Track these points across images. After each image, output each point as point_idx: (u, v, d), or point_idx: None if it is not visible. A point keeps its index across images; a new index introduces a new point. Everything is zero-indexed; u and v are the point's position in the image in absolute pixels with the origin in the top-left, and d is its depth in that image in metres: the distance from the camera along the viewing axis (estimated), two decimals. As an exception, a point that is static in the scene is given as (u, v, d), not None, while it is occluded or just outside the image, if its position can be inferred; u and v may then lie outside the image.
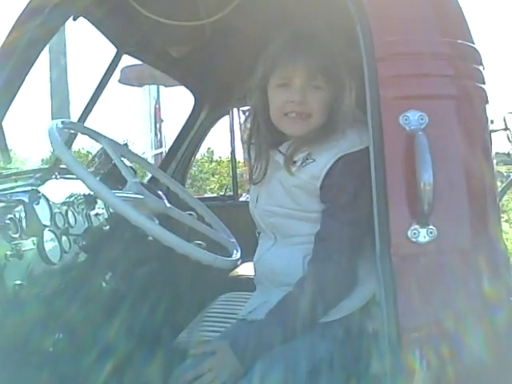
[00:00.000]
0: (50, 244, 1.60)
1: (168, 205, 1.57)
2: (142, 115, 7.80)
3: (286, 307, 1.20)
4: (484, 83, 1.09)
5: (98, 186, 1.26)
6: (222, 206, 2.77)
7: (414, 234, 0.97)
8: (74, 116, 7.10)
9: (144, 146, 7.80)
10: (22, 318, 1.45)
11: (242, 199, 2.83)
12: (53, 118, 7.28)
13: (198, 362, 1.19)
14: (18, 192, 1.40)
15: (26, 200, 1.37)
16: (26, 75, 1.23)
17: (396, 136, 0.98)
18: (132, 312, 1.80)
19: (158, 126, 7.74)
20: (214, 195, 3.06)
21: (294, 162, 1.25)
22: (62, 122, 1.45)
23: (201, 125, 2.70)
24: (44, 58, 7.64)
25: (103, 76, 2.04)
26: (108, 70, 2.03)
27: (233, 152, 2.92)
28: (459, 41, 1.06)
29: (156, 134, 7.69)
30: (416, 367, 0.93)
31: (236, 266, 2.12)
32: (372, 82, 1.00)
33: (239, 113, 2.77)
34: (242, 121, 4.31)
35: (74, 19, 1.27)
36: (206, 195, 4.37)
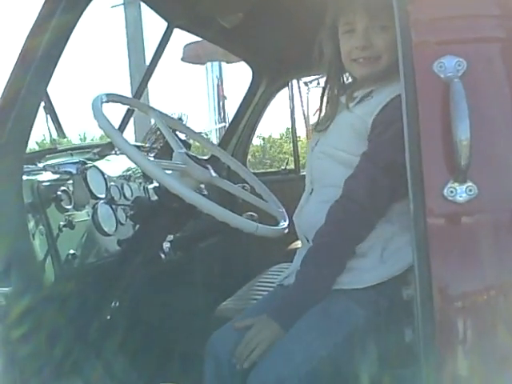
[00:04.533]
0: (104, 215, 1.65)
1: (214, 174, 1.56)
2: (205, 93, 7.87)
3: (310, 261, 1.18)
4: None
5: (136, 155, 1.27)
6: (283, 180, 2.73)
7: (451, 192, 0.88)
8: (153, 99, 7.30)
9: (208, 123, 7.87)
10: (76, 287, 1.51)
11: (303, 173, 2.77)
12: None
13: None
14: (67, 164, 1.45)
15: (74, 171, 1.41)
16: (65, 42, 1.25)
17: (430, 84, 0.89)
18: (186, 283, 1.83)
19: (220, 103, 7.78)
20: (276, 169, 3.03)
21: (354, 99, 1.26)
22: (107, 95, 1.47)
23: (260, 98, 2.66)
24: (122, 43, 7.93)
25: (155, 51, 2.06)
26: (160, 44, 2.05)
27: (293, 125, 2.86)
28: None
29: (219, 112, 7.74)
30: (450, 338, 0.85)
31: (293, 239, 2.10)
32: (403, 26, 0.91)
33: (299, 84, 2.69)
34: (303, 94, 4.28)
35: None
36: (267, 170, 4.33)
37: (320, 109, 1.39)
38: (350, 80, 1.35)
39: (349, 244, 1.16)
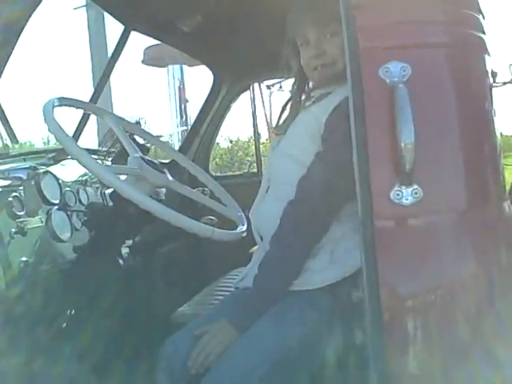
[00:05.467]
0: (59, 222, 1.62)
1: (170, 179, 1.55)
2: (166, 96, 7.85)
3: (266, 265, 1.19)
4: (482, 32, 0.99)
5: (86, 160, 1.25)
6: (245, 183, 2.73)
7: (398, 195, 0.90)
8: (117, 104, 7.21)
9: (170, 126, 7.84)
10: (29, 295, 1.47)
11: (265, 175, 2.78)
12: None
13: (190, 331, 1.18)
14: (17, 169, 1.41)
15: (24, 177, 1.38)
16: (11, 49, 1.22)
17: (376, 89, 0.91)
18: (141, 288, 1.80)
19: (182, 106, 7.76)
20: (238, 173, 3.03)
21: (311, 98, 1.32)
22: (59, 99, 1.44)
23: (222, 101, 2.66)
24: (85, 46, 7.81)
25: (112, 54, 2.03)
26: (117, 47, 2.02)
27: (255, 128, 2.87)
28: (451, -16, 0.97)
29: (181, 115, 7.72)
30: (399, 338, 0.86)
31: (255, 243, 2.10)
32: (350, 32, 0.92)
33: (260, 87, 2.70)
34: (265, 97, 4.30)
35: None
36: (230, 173, 4.33)
37: (281, 115, 1.44)
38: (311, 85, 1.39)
39: (304, 246, 1.17)
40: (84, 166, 1.27)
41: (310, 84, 1.40)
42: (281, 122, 1.42)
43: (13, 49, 1.22)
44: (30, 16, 1.22)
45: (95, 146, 2.16)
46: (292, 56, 1.37)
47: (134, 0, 1.75)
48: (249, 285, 1.23)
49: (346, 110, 1.11)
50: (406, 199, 0.89)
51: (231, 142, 12.85)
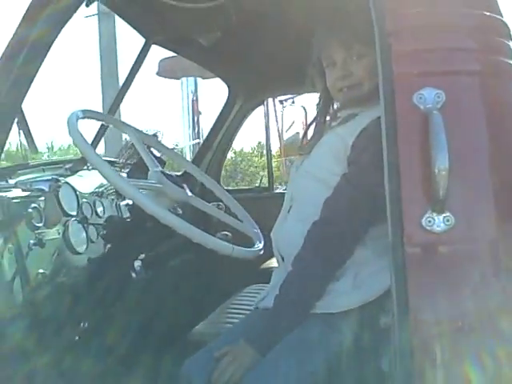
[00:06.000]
0: (76, 233, 1.62)
1: (190, 194, 1.55)
2: (180, 108, 7.87)
3: (288, 286, 1.17)
4: (513, 59, 1.00)
5: (111, 174, 1.26)
6: (256, 198, 2.73)
7: (429, 221, 0.89)
8: (124, 111, 7.24)
9: (182, 139, 7.88)
10: (45, 306, 1.47)
11: (277, 191, 2.79)
12: (103, 107, 7.46)
13: (211, 352, 1.17)
14: (39, 181, 1.41)
15: (46, 189, 1.38)
16: (41, 61, 1.23)
17: (410, 115, 0.91)
18: (157, 303, 1.80)
19: (195, 118, 7.79)
20: (250, 187, 3.03)
21: (338, 118, 1.32)
22: (83, 111, 1.45)
23: (235, 115, 2.67)
24: (95, 52, 7.85)
25: (132, 67, 2.04)
26: (137, 60, 2.03)
27: (268, 142, 2.87)
28: (484, 12, 0.97)
29: (194, 127, 7.75)
30: (427, 366, 0.86)
31: (268, 258, 2.09)
32: (384, 58, 0.93)
33: (275, 104, 2.71)
34: (278, 112, 4.32)
35: (87, 5, 1.26)
36: (241, 188, 4.33)
37: (305, 134, 1.45)
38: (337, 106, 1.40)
39: (328, 269, 1.16)
40: (108, 181, 1.27)
41: (335, 105, 1.40)
42: (303, 141, 1.43)
43: (40, 65, 1.23)
44: (58, 33, 1.23)
45: (101, 151, 2.17)
46: (317, 77, 1.38)
47: (157, 15, 1.76)
48: (269, 305, 1.22)
49: (373, 133, 1.11)
50: (438, 226, 0.89)
51: (235, 152, 12.88)
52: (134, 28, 1.88)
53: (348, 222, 1.15)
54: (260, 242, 1.57)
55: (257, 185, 2.86)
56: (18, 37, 1.20)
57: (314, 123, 1.41)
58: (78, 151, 1.78)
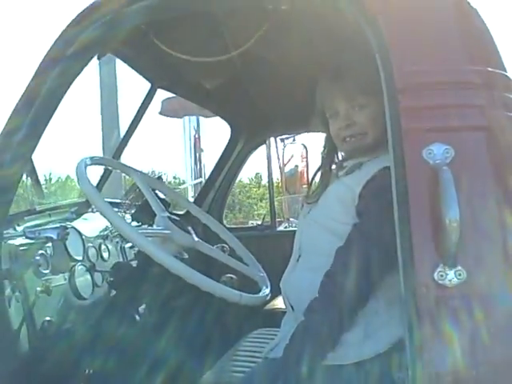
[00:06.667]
0: (81, 279, 1.61)
1: (196, 239, 1.56)
2: (182, 145, 7.97)
3: (300, 338, 1.15)
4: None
5: (120, 223, 1.27)
6: (259, 236, 2.74)
7: (441, 275, 0.90)
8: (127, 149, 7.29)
9: (185, 176, 7.96)
10: (51, 354, 1.46)
11: (279, 229, 2.79)
12: (104, 155, 7.51)
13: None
14: (47, 229, 1.42)
15: (54, 237, 1.38)
16: (51, 115, 1.25)
17: (419, 170, 0.92)
18: (162, 347, 1.78)
19: (197, 155, 7.87)
20: (252, 225, 3.04)
21: (344, 168, 1.33)
22: (91, 158, 1.47)
23: (238, 155, 2.70)
24: (95, 96, 7.94)
25: (138, 110, 2.08)
26: (143, 104, 2.07)
27: (270, 181, 2.90)
28: (489, 68, 1.00)
29: (196, 164, 7.82)
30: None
31: (272, 299, 2.08)
32: (393, 114, 0.95)
33: (276, 142, 2.74)
34: (279, 150, 4.38)
35: (99, 58, 1.29)
36: (243, 225, 4.34)
37: (310, 183, 1.46)
38: (342, 155, 1.41)
39: (341, 321, 1.15)
40: (117, 229, 1.28)
41: (340, 154, 1.41)
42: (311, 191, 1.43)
43: (51, 117, 1.25)
44: (69, 86, 1.25)
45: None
46: (321, 126, 1.40)
47: (163, 62, 1.79)
48: (279, 356, 1.20)
49: (381, 183, 1.13)
50: (450, 280, 0.90)
51: (233, 184, 12.90)
52: (141, 74, 1.92)
53: (361, 273, 1.14)
54: (267, 287, 1.57)
55: (259, 223, 2.86)
56: (30, 90, 1.22)
57: (320, 172, 1.42)
58: (75, 184, 1.79)
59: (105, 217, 1.29)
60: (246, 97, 2.29)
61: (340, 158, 1.41)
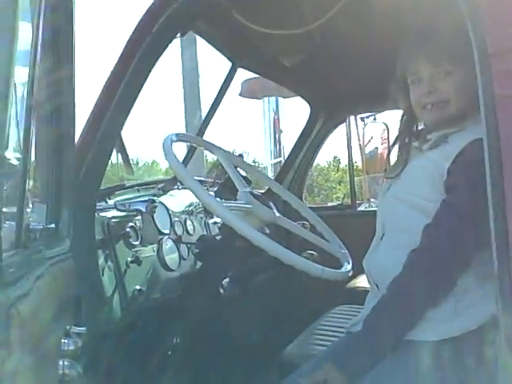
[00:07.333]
0: (169, 251, 1.69)
1: (277, 214, 1.57)
2: (262, 127, 8.00)
3: (383, 311, 1.14)
4: None
5: (207, 198, 1.30)
6: (339, 216, 2.72)
7: (538, 248, 0.85)
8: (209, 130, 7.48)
9: (264, 157, 8.02)
10: (141, 323, 1.54)
11: (360, 208, 2.76)
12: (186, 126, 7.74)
13: (301, 377, 1.17)
14: (136, 202, 1.49)
15: (143, 209, 1.45)
16: (138, 92, 1.30)
17: (513, 138, 0.88)
18: (246, 320, 1.83)
19: (277, 136, 7.89)
20: (332, 204, 3.02)
21: (428, 142, 1.27)
22: (177, 135, 1.52)
23: (317, 134, 2.68)
24: (177, 74, 8.17)
25: (219, 90, 2.12)
26: (224, 83, 2.11)
27: (350, 160, 2.86)
28: None
29: (275, 145, 7.84)
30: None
31: (353, 277, 2.07)
32: (485, 80, 0.90)
33: (356, 121, 2.70)
34: (359, 129, 4.29)
35: (182, 35, 1.33)
36: (323, 205, 4.32)
37: (388, 157, 1.41)
38: (422, 127, 1.35)
39: (428, 299, 1.12)
40: (203, 203, 1.32)
41: (420, 125, 1.35)
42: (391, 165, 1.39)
43: (137, 96, 1.31)
44: (154, 64, 1.30)
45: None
46: (400, 93, 1.34)
47: (244, 40, 1.81)
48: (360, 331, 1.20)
49: (471, 157, 1.09)
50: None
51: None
52: (222, 53, 1.95)
53: (451, 250, 1.10)
54: (348, 264, 1.55)
55: (339, 202, 2.83)
56: (118, 68, 1.28)
57: (398, 144, 1.37)
58: (160, 169, 1.86)
59: (190, 189, 1.33)
60: (325, 74, 2.27)
61: (420, 129, 1.35)
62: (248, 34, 1.58)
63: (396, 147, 1.39)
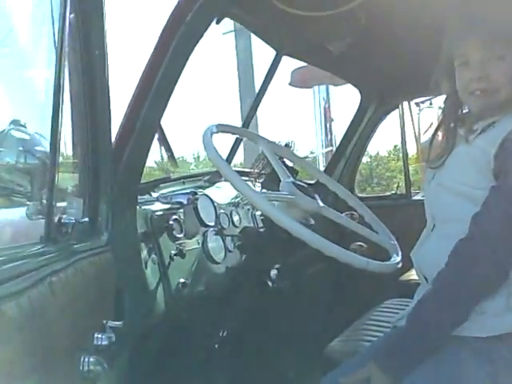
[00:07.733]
0: (214, 243, 1.67)
1: (321, 204, 1.53)
2: (312, 116, 7.90)
3: (428, 305, 1.07)
4: None
5: (243, 187, 1.27)
6: (393, 205, 2.62)
7: None
8: (262, 120, 7.47)
9: (315, 146, 7.91)
10: (186, 315, 1.53)
11: (415, 198, 2.64)
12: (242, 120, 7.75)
13: (342, 374, 1.12)
14: (178, 194, 1.49)
15: (184, 202, 1.44)
16: (176, 82, 1.29)
17: None
18: (293, 313, 1.79)
19: (328, 125, 7.76)
20: (386, 194, 2.91)
21: (474, 131, 1.18)
22: (217, 126, 1.50)
23: (368, 121, 2.59)
24: (232, 63, 8.22)
25: (264, 79, 2.08)
26: (268, 72, 2.07)
27: (404, 147, 2.74)
28: None
29: (326, 134, 7.72)
30: None
31: (407, 270, 1.99)
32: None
33: (410, 105, 2.58)
34: (414, 115, 4.08)
35: (217, 22, 1.31)
36: (377, 194, 4.18)
37: (431, 143, 1.33)
38: (466, 111, 1.26)
39: (476, 290, 1.05)
40: (241, 194, 1.29)
41: (464, 109, 1.26)
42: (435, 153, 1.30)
43: (175, 83, 1.29)
44: (191, 52, 1.29)
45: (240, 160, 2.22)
46: (445, 77, 1.25)
47: (286, 26, 1.76)
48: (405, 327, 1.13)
49: None
50: None
51: (370, 157, 12.57)
52: (265, 41, 1.91)
53: (502, 239, 1.03)
54: (397, 255, 1.49)
55: (393, 191, 2.73)
56: (154, 58, 1.27)
57: (441, 131, 1.29)
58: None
59: (228, 180, 1.31)
60: (373, 58, 2.17)
61: (466, 116, 1.26)
62: (288, 19, 1.53)
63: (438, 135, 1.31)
